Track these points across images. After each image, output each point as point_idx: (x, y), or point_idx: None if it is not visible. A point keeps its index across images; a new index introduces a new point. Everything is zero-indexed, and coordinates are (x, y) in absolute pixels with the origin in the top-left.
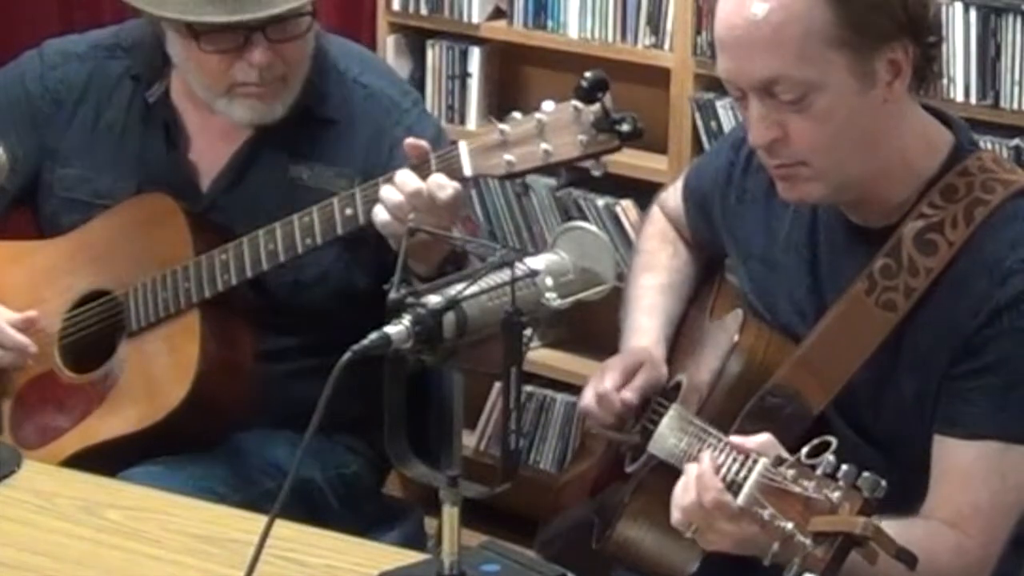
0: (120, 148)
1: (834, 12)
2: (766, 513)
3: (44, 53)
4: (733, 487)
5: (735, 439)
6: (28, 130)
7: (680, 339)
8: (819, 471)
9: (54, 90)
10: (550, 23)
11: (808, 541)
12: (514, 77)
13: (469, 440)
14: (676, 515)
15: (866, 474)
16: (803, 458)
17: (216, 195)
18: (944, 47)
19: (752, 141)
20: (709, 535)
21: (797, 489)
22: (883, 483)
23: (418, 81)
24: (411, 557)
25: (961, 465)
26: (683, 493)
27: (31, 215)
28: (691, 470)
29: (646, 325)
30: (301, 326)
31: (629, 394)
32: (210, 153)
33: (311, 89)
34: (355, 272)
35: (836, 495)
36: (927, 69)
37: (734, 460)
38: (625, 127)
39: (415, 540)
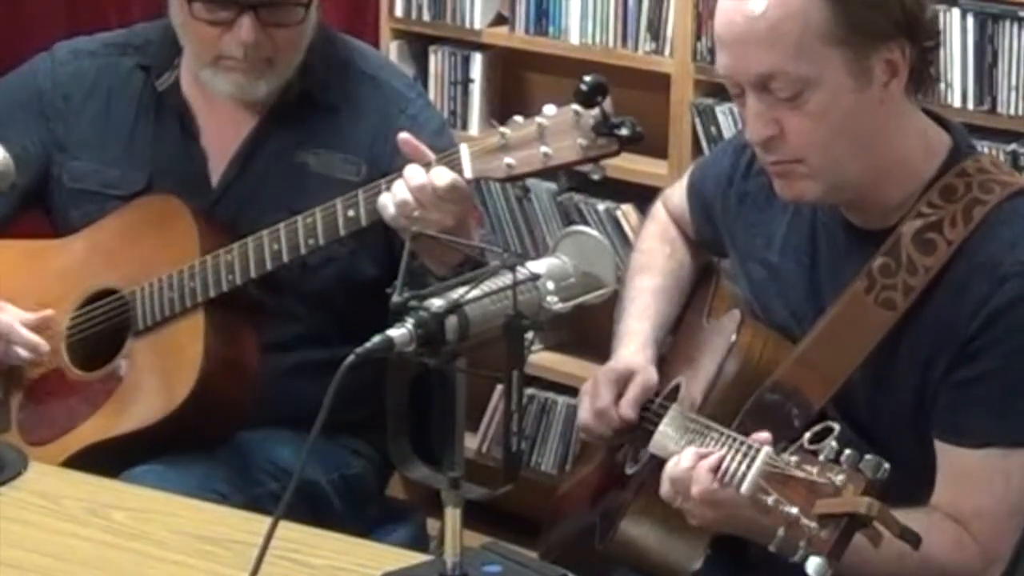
0: (131, 139)
1: (832, 10)
2: (770, 499)
3: (55, 52)
4: (736, 478)
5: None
6: (38, 125)
7: (678, 341)
8: (822, 456)
9: (64, 84)
10: (551, 29)
11: (813, 524)
12: (516, 83)
13: (471, 442)
14: (665, 487)
15: (868, 457)
16: (806, 444)
17: (227, 181)
18: (942, 53)
19: (749, 137)
20: (695, 513)
21: (800, 474)
22: (886, 465)
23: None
24: (414, 558)
25: (964, 470)
26: (673, 466)
27: (43, 215)
28: (688, 452)
29: (636, 328)
30: (307, 312)
31: (627, 411)
32: (219, 141)
33: (313, 75)
34: (362, 258)
35: (840, 478)
36: (924, 71)
37: (736, 451)
38: (624, 131)
39: (418, 541)
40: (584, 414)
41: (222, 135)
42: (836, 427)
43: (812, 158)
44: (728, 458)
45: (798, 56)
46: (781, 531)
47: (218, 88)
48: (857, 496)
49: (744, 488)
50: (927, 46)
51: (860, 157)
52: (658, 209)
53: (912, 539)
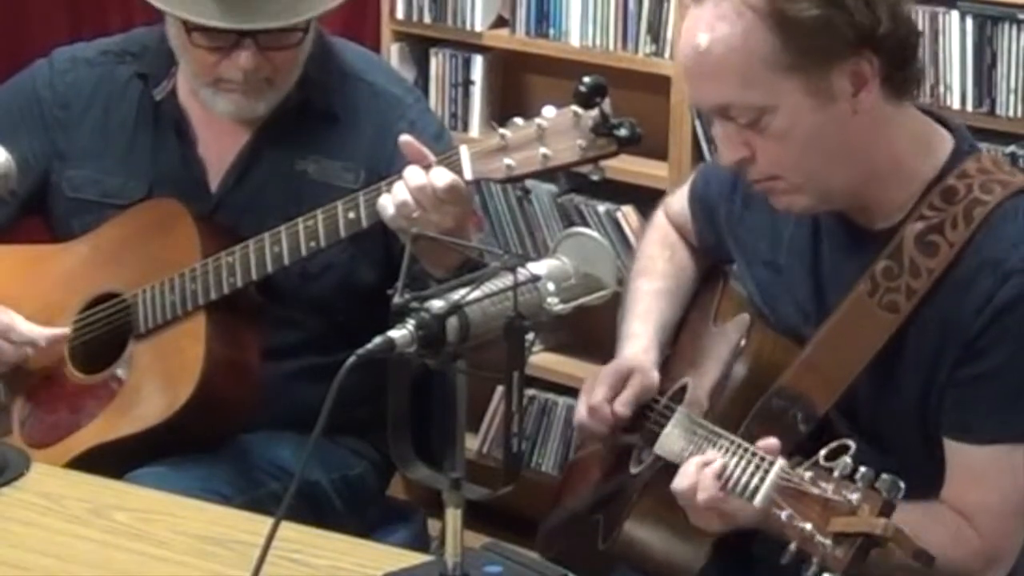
0: (130, 148)
1: (775, 39)
2: (784, 514)
3: (54, 60)
4: (749, 490)
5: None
6: (38, 133)
7: (682, 343)
8: (836, 473)
9: (63, 94)
10: (552, 31)
11: (828, 542)
12: (516, 85)
13: (472, 443)
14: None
15: (884, 476)
16: (821, 461)
17: (225, 190)
18: (941, 54)
19: (720, 161)
20: (701, 522)
21: (815, 491)
22: (901, 484)
23: (421, 89)
24: (415, 559)
25: (971, 466)
26: (681, 478)
27: (43, 222)
28: (693, 462)
29: (638, 330)
30: (307, 318)
31: (621, 408)
32: (217, 149)
33: (312, 84)
34: (361, 264)
35: (855, 496)
36: (901, 76)
37: (748, 462)
38: (623, 132)
39: (419, 542)
40: (580, 409)
41: (220, 144)
42: (852, 445)
43: (787, 175)
44: (739, 469)
45: (747, 87)
46: (794, 546)
47: (217, 108)
48: (873, 516)
49: (757, 501)
50: (901, 48)
51: (841, 166)
52: (659, 216)
53: (926, 560)
